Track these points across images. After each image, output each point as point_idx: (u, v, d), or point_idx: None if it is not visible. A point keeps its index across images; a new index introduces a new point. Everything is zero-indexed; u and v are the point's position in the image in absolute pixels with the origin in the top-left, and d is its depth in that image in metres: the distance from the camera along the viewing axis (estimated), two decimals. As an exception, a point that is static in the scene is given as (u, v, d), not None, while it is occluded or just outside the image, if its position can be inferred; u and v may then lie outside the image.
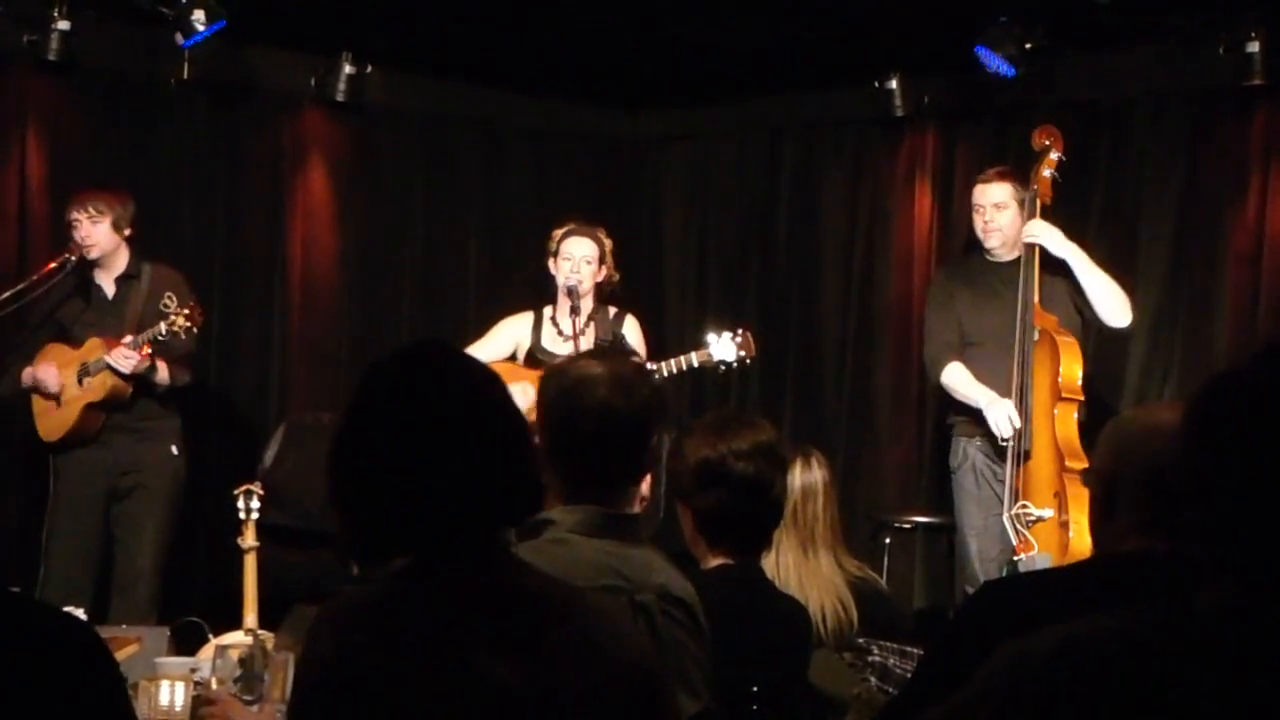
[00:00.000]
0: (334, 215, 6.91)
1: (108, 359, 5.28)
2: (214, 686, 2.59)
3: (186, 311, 5.22)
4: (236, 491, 4.16)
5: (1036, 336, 5.22)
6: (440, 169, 7.19)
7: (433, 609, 1.80)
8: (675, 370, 5.28)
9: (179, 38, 5.81)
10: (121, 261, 5.53)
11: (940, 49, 6.22)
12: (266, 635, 3.62)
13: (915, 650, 3.50)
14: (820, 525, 3.61)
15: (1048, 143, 5.45)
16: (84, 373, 5.36)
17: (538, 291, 5.71)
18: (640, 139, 7.81)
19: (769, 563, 3.32)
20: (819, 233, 7.19)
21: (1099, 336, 5.80)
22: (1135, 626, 1.50)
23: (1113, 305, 5.34)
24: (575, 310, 5.34)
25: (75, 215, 5.40)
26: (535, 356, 5.46)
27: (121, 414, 5.44)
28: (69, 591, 5.09)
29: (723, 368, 5.39)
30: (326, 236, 6.89)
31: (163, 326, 5.21)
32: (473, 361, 2.00)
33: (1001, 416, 5.22)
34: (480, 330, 5.75)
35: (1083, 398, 5.21)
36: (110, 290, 5.55)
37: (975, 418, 5.38)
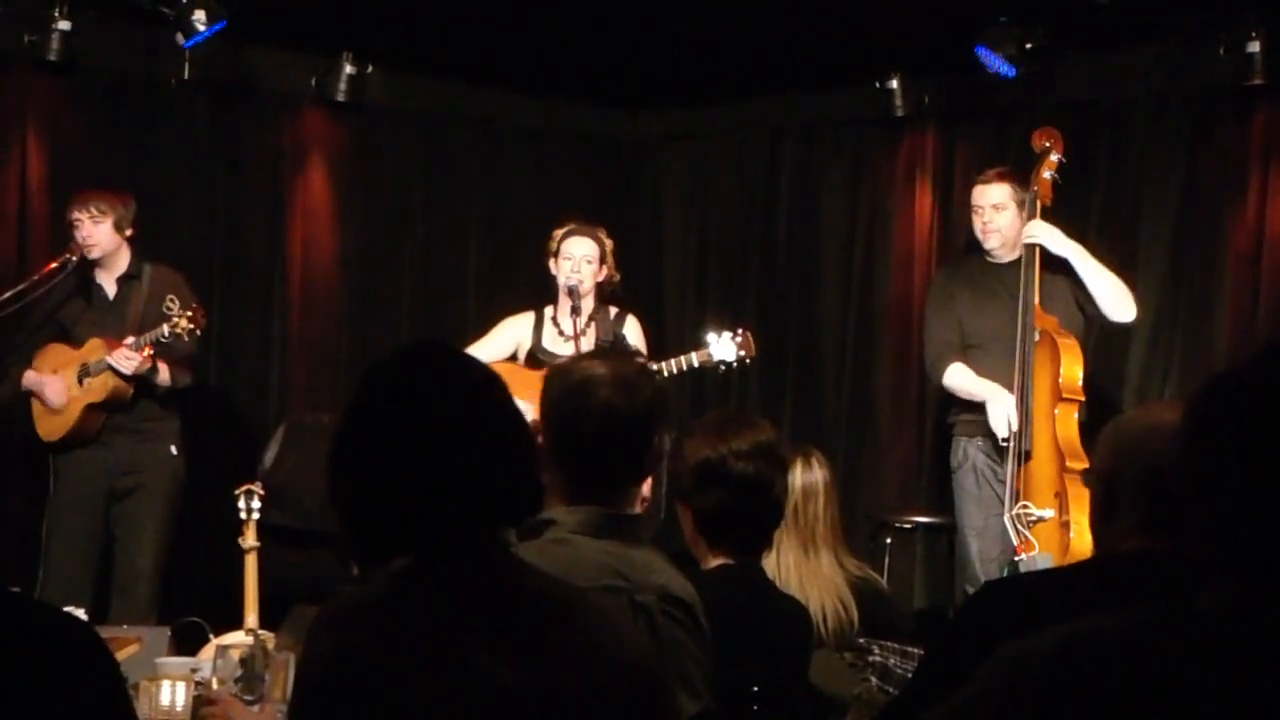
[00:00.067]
0: (334, 215, 6.91)
1: (109, 360, 5.28)
2: (215, 686, 2.59)
3: (189, 313, 5.22)
4: (237, 491, 4.16)
5: (1037, 337, 5.22)
6: (440, 169, 7.19)
7: (433, 609, 1.80)
8: (675, 370, 5.28)
9: (179, 38, 5.81)
10: (122, 262, 5.53)
11: (940, 49, 6.22)
12: (267, 635, 3.62)
13: (916, 650, 3.50)
14: (821, 525, 3.61)
15: (1048, 144, 5.45)
16: (84, 373, 5.37)
17: (538, 291, 5.71)
18: (640, 139, 7.81)
19: (769, 563, 3.32)
20: (819, 233, 7.19)
21: (1100, 337, 5.81)
22: (1135, 626, 1.50)
23: (1117, 300, 5.34)
24: (576, 310, 5.34)
25: (77, 215, 5.40)
26: (536, 357, 5.45)
27: (121, 414, 5.44)
28: (68, 592, 5.09)
29: (723, 368, 5.39)
30: (326, 236, 6.89)
31: (165, 328, 5.21)
32: (473, 361, 2.00)
33: (1001, 413, 5.22)
34: (480, 330, 5.75)
35: (1083, 398, 5.21)
36: (111, 290, 5.55)
37: (976, 418, 5.37)
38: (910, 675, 3.20)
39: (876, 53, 6.46)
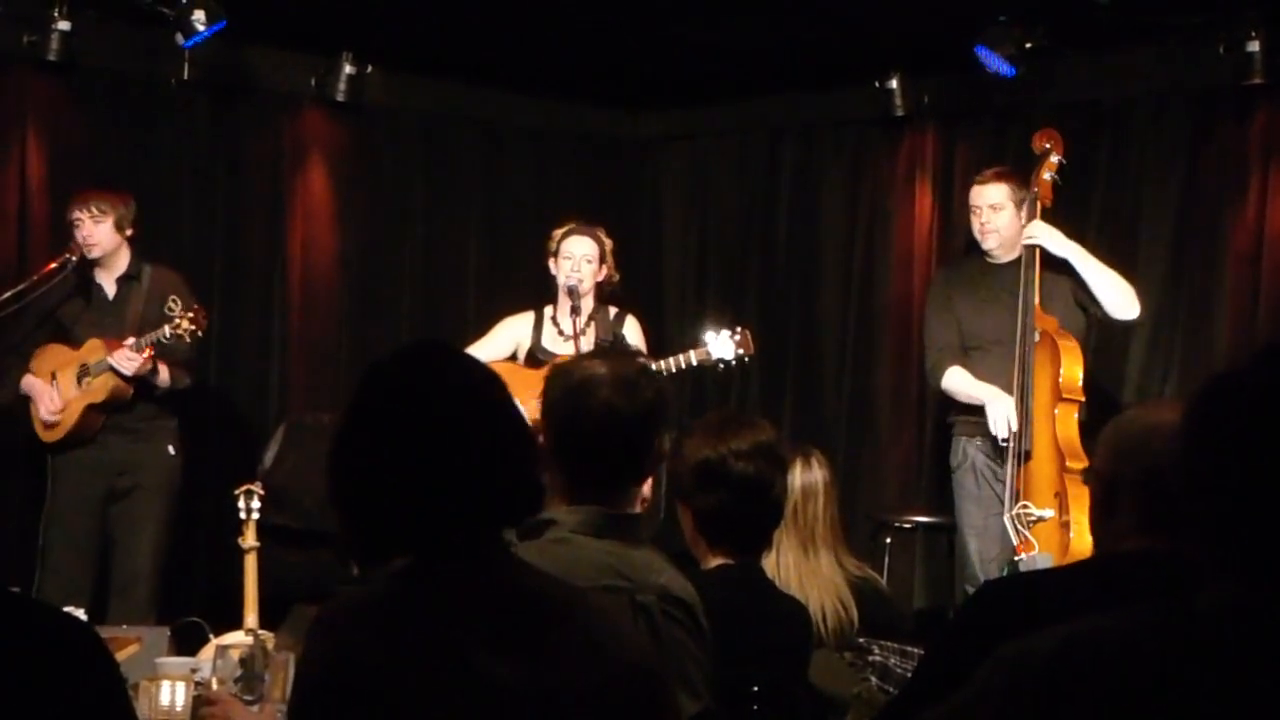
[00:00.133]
0: (334, 215, 6.91)
1: (110, 360, 5.28)
2: (215, 687, 2.59)
3: (191, 315, 5.22)
4: (237, 491, 4.16)
5: (1037, 338, 5.22)
6: (440, 169, 7.19)
7: (433, 609, 1.80)
8: (674, 369, 5.28)
9: (179, 38, 5.81)
10: (122, 262, 5.53)
11: (940, 49, 6.21)
12: (267, 635, 3.62)
13: (915, 650, 3.51)
14: (820, 525, 3.61)
15: (1048, 146, 5.45)
16: (84, 373, 5.36)
17: (538, 291, 5.71)
18: (640, 139, 7.81)
19: (769, 563, 3.32)
20: (819, 233, 7.19)
21: (1100, 337, 5.81)
22: (1135, 626, 1.50)
23: (1120, 299, 5.34)
24: (576, 310, 5.34)
25: (77, 215, 5.40)
26: (535, 356, 5.46)
27: (120, 415, 5.44)
28: (67, 592, 5.08)
29: (721, 366, 5.39)
30: (326, 236, 6.89)
31: (166, 329, 5.21)
32: (473, 361, 2.00)
33: (1000, 416, 5.22)
34: (480, 330, 5.75)
35: (1083, 398, 5.21)
36: (111, 291, 5.54)
37: (976, 417, 5.37)
38: (910, 675, 3.20)
39: (876, 53, 6.46)
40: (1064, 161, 5.46)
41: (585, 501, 2.45)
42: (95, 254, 5.44)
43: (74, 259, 5.43)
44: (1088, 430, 5.07)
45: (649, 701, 1.87)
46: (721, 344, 5.33)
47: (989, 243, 5.48)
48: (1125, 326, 5.53)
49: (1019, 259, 5.36)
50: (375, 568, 1.89)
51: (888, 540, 6.01)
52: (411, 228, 7.12)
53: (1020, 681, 1.52)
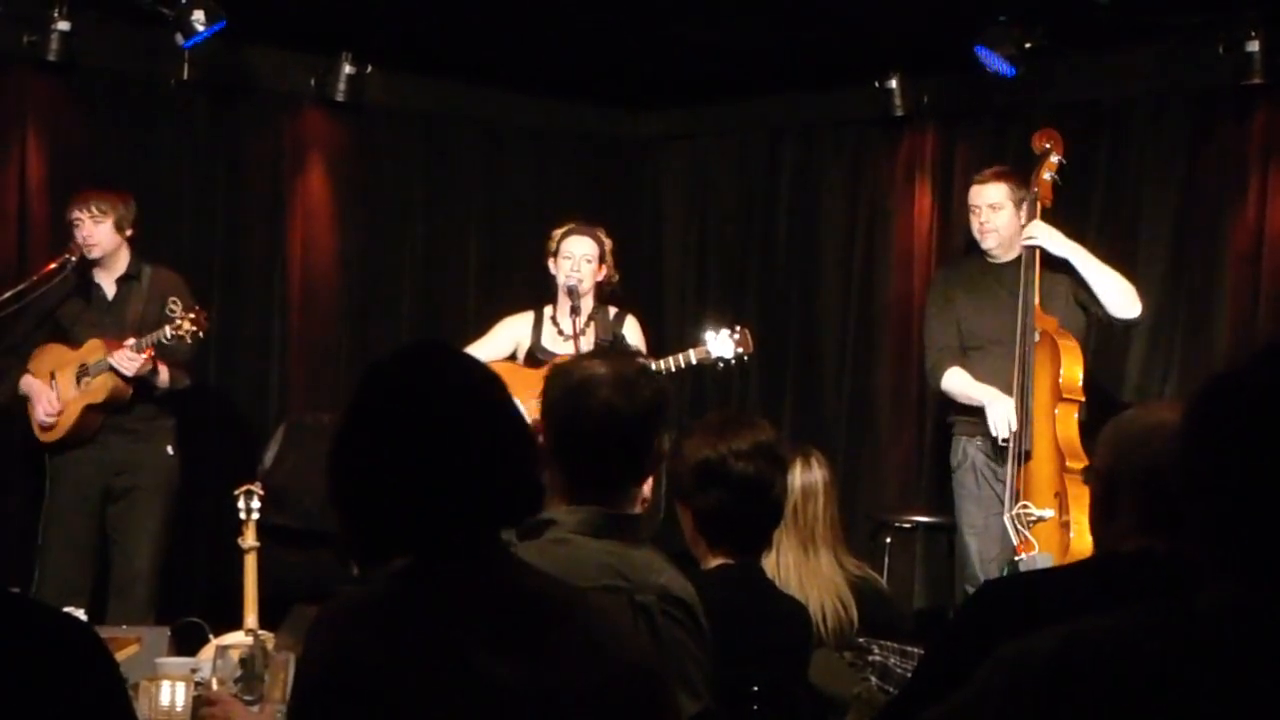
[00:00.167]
0: (334, 215, 6.91)
1: (111, 361, 5.28)
2: (214, 687, 2.59)
3: (192, 316, 5.22)
4: (237, 492, 4.16)
5: (1037, 338, 5.22)
6: (440, 169, 7.19)
7: (433, 609, 1.80)
8: (673, 368, 5.28)
9: (179, 38, 5.81)
10: (122, 262, 5.53)
11: (940, 49, 6.22)
12: (267, 635, 3.62)
13: (915, 650, 3.50)
14: (820, 525, 3.61)
15: (1048, 146, 5.45)
16: (83, 373, 5.36)
17: (538, 291, 5.71)
18: (640, 139, 7.81)
19: (769, 563, 3.32)
20: (819, 233, 7.19)
21: (1100, 337, 5.81)
22: (1135, 626, 1.50)
23: (1121, 298, 5.34)
24: (575, 310, 5.34)
25: (77, 214, 5.39)
26: (535, 356, 5.46)
27: (119, 415, 5.43)
28: (65, 592, 5.08)
29: (721, 364, 5.39)
30: (326, 236, 6.89)
31: (168, 330, 5.21)
32: (473, 362, 2.00)
33: (1000, 417, 5.22)
34: (480, 330, 5.75)
35: (1083, 398, 5.21)
36: (110, 291, 5.54)
37: (976, 417, 5.38)
38: (910, 675, 3.20)
39: (876, 52, 6.46)
40: (1064, 161, 5.46)
41: (585, 501, 2.45)
42: (95, 254, 5.43)
43: (74, 259, 5.43)
44: (1088, 430, 5.07)
45: (649, 701, 1.87)
46: (721, 343, 5.33)
47: (988, 242, 5.48)
48: (1126, 326, 5.52)
49: (1019, 259, 5.36)
50: (375, 568, 1.89)
51: (888, 540, 6.01)
52: (411, 228, 7.12)
53: (1020, 681, 1.51)
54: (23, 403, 5.47)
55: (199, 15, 5.73)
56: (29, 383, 5.44)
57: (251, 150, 6.68)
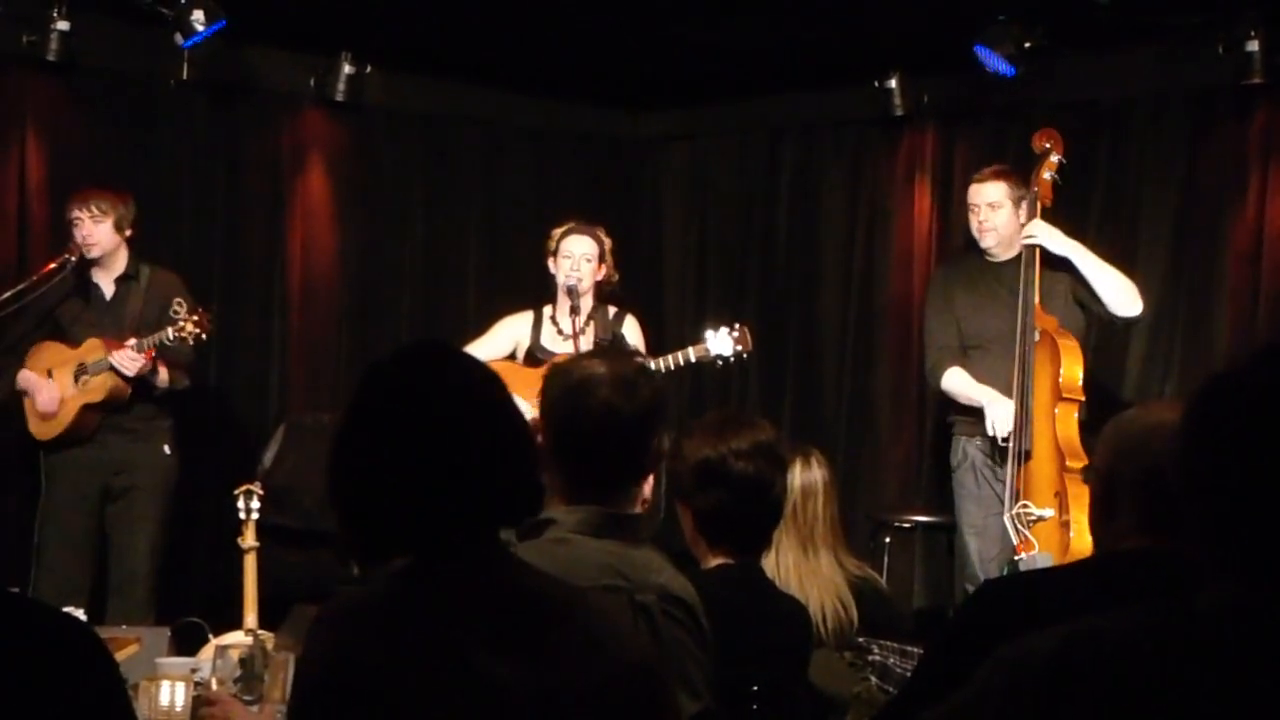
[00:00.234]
0: (334, 215, 6.91)
1: (112, 361, 5.27)
2: (214, 687, 2.59)
3: (195, 319, 5.21)
4: (237, 492, 4.16)
5: (1037, 338, 5.22)
6: (440, 169, 7.19)
7: (433, 609, 1.80)
8: (672, 366, 5.28)
9: (179, 38, 5.81)
10: (121, 262, 5.52)
11: (940, 48, 6.22)
12: (267, 636, 3.62)
13: (915, 650, 3.51)
14: (820, 525, 3.61)
15: (1048, 145, 5.45)
16: (81, 372, 5.35)
17: (538, 291, 5.71)
18: (640, 139, 7.81)
19: (769, 562, 3.32)
20: (819, 233, 7.19)
21: (1100, 337, 5.81)
22: (1135, 626, 1.50)
23: (1122, 296, 5.34)
24: (575, 309, 5.34)
25: (77, 214, 5.39)
26: (535, 355, 5.45)
27: (117, 414, 5.42)
28: (63, 592, 5.08)
29: (720, 362, 5.39)
30: (326, 236, 6.89)
31: (170, 332, 5.21)
32: (473, 361, 2.00)
33: (999, 418, 5.22)
34: (480, 330, 5.75)
35: (1083, 398, 5.21)
36: (109, 291, 5.54)
37: (976, 417, 5.38)
38: (910, 675, 3.20)
39: (876, 52, 6.46)
40: (1064, 161, 5.45)
41: (584, 501, 2.45)
42: (94, 254, 5.43)
43: (73, 259, 5.43)
44: (1088, 429, 5.08)
45: (649, 701, 1.87)
46: (720, 341, 5.32)
47: (987, 241, 5.48)
48: (1127, 324, 5.52)
49: (1018, 257, 5.36)
50: (375, 568, 1.89)
51: (888, 540, 6.01)
52: (411, 228, 7.12)
53: (1020, 681, 1.51)
54: (19, 401, 5.45)
55: (199, 15, 5.73)
56: (26, 377, 5.42)
57: (251, 150, 6.68)
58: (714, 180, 7.64)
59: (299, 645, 1.91)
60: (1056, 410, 5.17)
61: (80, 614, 3.20)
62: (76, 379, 5.37)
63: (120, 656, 3.12)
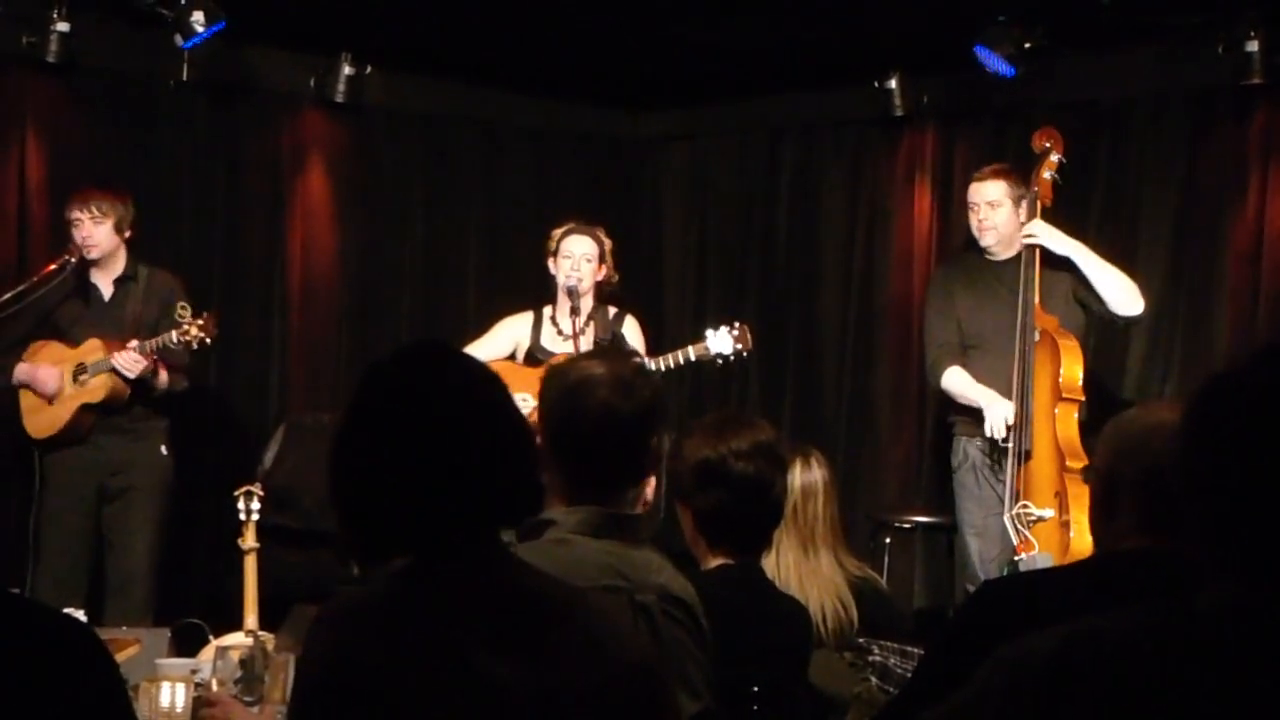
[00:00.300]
0: (334, 215, 6.91)
1: (113, 362, 5.26)
2: (215, 688, 2.59)
3: (200, 323, 5.20)
4: (237, 493, 4.15)
5: (1037, 337, 5.22)
6: (440, 169, 7.19)
7: (433, 609, 1.80)
8: (672, 364, 5.28)
9: (178, 38, 5.81)
10: (119, 263, 5.52)
11: (940, 49, 6.22)
12: (267, 636, 3.62)
13: (915, 650, 3.50)
14: (820, 525, 3.61)
15: (1048, 145, 5.45)
16: (81, 371, 5.35)
17: (538, 292, 5.71)
18: (640, 139, 7.81)
19: (769, 563, 3.32)
20: (819, 233, 7.19)
21: (1100, 337, 5.81)
22: (1135, 626, 1.50)
23: (1123, 295, 5.34)
24: (575, 310, 5.34)
25: (77, 214, 5.38)
26: (535, 356, 5.46)
27: (113, 415, 5.41)
28: (60, 593, 5.07)
29: (720, 361, 5.39)
30: (326, 236, 6.89)
31: (174, 335, 5.20)
32: (473, 362, 2.00)
33: (998, 418, 5.22)
34: (480, 330, 5.75)
35: (1083, 398, 5.21)
36: (107, 292, 5.53)
37: (976, 417, 5.38)
38: (910, 675, 3.20)
39: (876, 52, 6.46)
40: (1064, 160, 5.45)
41: (584, 502, 2.45)
42: (94, 255, 5.42)
43: (73, 260, 5.42)
44: (1088, 429, 5.08)
45: (649, 701, 1.87)
46: (720, 339, 5.32)
47: (986, 239, 5.48)
48: (1129, 323, 5.53)
49: (1018, 256, 5.37)
50: (375, 568, 1.89)
51: (888, 540, 6.00)
52: (411, 228, 7.12)
53: (1020, 681, 1.51)
54: (13, 399, 5.42)
55: (198, 16, 5.73)
56: (22, 368, 5.40)
57: (251, 150, 6.68)
58: (714, 180, 7.64)
59: (299, 646, 1.91)
60: (1056, 410, 5.17)
61: (80, 615, 3.20)
62: (75, 378, 5.36)
63: (120, 657, 3.12)
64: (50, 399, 5.38)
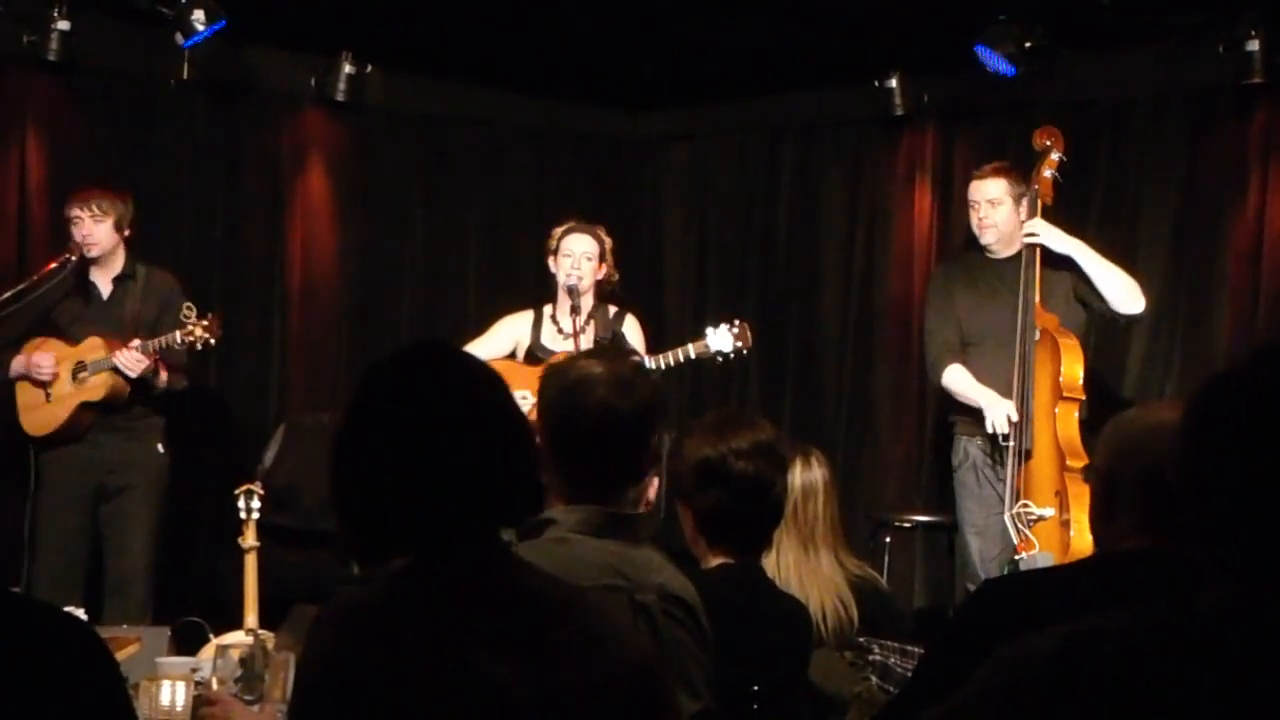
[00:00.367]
0: (334, 215, 6.92)
1: (115, 361, 5.26)
2: (215, 686, 2.59)
3: (205, 324, 5.20)
4: (237, 492, 4.15)
5: (1037, 336, 5.22)
6: (440, 169, 7.20)
7: (433, 609, 1.80)
8: (673, 362, 5.27)
9: (179, 38, 5.82)
10: (118, 262, 5.51)
11: (940, 48, 6.22)
12: (267, 635, 3.62)
13: (915, 649, 3.50)
14: (820, 524, 3.60)
15: (1048, 143, 5.45)
16: (80, 369, 5.34)
17: (538, 291, 5.71)
18: (640, 139, 7.81)
19: (769, 562, 3.32)
20: (819, 233, 7.19)
21: (1100, 336, 5.81)
22: (1135, 626, 1.50)
23: (1124, 294, 5.34)
24: (575, 309, 5.34)
25: (77, 213, 5.38)
26: (535, 354, 5.46)
27: (110, 414, 5.41)
28: (57, 591, 5.07)
29: (719, 359, 5.38)
30: (326, 236, 6.89)
31: (178, 335, 5.19)
32: (473, 361, 2.00)
33: (999, 417, 5.22)
34: (480, 329, 5.75)
35: (1084, 397, 5.21)
36: (106, 291, 5.53)
37: (976, 417, 5.38)
38: (910, 675, 3.20)
39: (876, 52, 6.47)
40: (1065, 159, 5.45)
41: (584, 501, 2.45)
42: (94, 253, 5.42)
43: (73, 259, 5.42)
44: (1088, 428, 5.08)
45: (649, 701, 1.87)
46: (720, 337, 5.32)
47: (987, 238, 5.48)
48: (1130, 321, 5.52)
49: (1018, 255, 5.36)
50: (375, 568, 1.89)
51: (888, 540, 6.00)
52: (411, 228, 7.12)
53: (1020, 681, 1.51)
54: (9, 392, 5.41)
55: (199, 15, 5.73)
56: (20, 361, 5.37)
57: (251, 150, 6.68)
58: (714, 180, 7.64)
59: (299, 645, 1.91)
60: (1057, 409, 5.17)
61: (80, 614, 3.20)
62: (75, 376, 5.35)
63: (121, 656, 3.12)
64: (47, 384, 5.36)
